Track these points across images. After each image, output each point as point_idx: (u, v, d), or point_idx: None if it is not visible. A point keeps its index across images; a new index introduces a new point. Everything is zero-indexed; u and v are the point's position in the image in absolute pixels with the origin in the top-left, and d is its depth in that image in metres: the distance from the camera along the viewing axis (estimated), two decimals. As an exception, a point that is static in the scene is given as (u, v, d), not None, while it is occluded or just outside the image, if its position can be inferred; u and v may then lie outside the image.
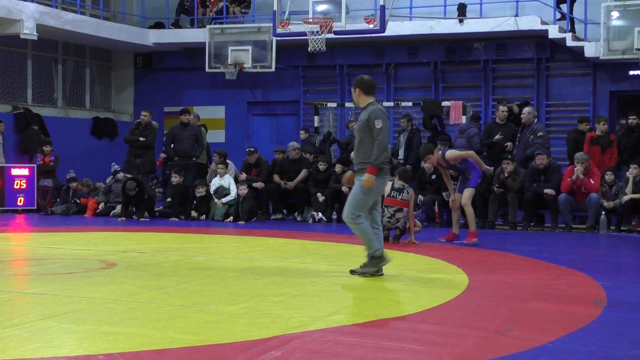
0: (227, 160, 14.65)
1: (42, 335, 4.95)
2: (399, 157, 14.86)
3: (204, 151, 15.59)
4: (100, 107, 20.93)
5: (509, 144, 13.68)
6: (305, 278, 7.37)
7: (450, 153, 10.29)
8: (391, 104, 17.45)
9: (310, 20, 14.41)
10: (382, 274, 7.42)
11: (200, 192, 14.01)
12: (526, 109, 13.75)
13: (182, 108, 15.93)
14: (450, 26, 16.81)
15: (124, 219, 13.63)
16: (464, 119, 15.26)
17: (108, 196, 14.65)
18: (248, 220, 13.44)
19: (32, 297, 6.34)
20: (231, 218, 13.52)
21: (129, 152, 15.61)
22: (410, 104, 16.96)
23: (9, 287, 6.77)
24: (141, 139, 15.33)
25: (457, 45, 17.74)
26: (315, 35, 14.47)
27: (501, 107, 14.24)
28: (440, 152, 10.42)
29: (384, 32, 14.28)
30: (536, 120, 13.83)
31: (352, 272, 7.49)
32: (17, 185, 14.68)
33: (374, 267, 7.42)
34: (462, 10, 16.66)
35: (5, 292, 6.47)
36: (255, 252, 9.09)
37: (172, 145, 15.11)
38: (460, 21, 16.59)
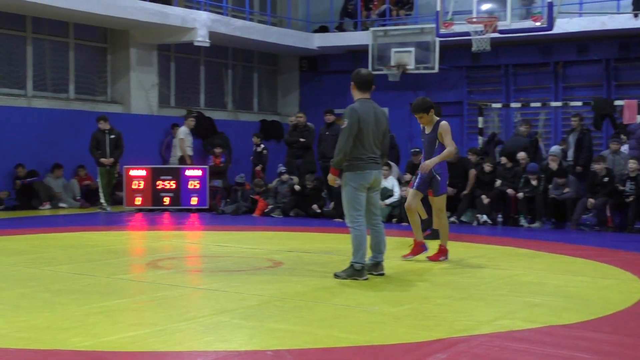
0: (390, 162, 14.68)
1: (215, 329, 5.17)
2: (568, 159, 14.31)
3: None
4: (267, 110, 21.61)
5: None
6: (470, 281, 7.27)
7: (445, 125, 8.32)
8: (559, 103, 16.86)
9: (474, 19, 14.18)
10: (367, 278, 7.13)
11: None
12: None
13: (327, 109, 16.00)
14: (624, 21, 16.02)
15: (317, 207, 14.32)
16: (639, 119, 14.48)
17: (275, 198, 15.09)
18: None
19: (205, 293, 6.65)
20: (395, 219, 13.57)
21: (289, 154, 15.99)
22: (580, 103, 16.30)
23: (184, 283, 7.13)
24: (301, 140, 15.66)
25: (631, 41, 16.87)
26: (479, 34, 14.23)
27: None
28: (438, 119, 8.46)
29: (551, 29, 13.82)
30: None
31: (335, 275, 7.25)
32: (191, 185, 15.41)
33: (348, 277, 7.12)
34: (637, 4, 15.83)
35: (182, 287, 6.81)
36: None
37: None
38: (635, 15, 15.76)
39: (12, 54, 16.09)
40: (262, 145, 16.85)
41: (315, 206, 14.52)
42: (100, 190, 15.31)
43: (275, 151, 18.70)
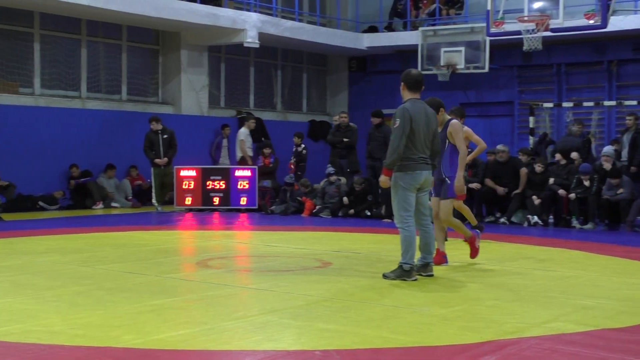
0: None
1: (263, 329, 5.21)
2: (622, 159, 14.04)
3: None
4: (316, 111, 21.66)
5: None
6: (521, 283, 7.18)
7: (456, 125, 8.06)
8: (613, 102, 16.56)
9: (526, 18, 14.03)
10: (416, 279, 7.15)
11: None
12: None
13: (373, 110, 15.84)
14: (680, 18, 15.67)
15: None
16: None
17: (323, 198, 15.12)
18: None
19: (254, 292, 6.70)
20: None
21: (333, 154, 16.00)
22: (634, 102, 15.96)
23: (233, 282, 7.19)
24: (345, 139, 15.65)
25: (688, 39, 16.50)
26: (530, 33, 14.07)
27: None
28: (450, 118, 8.19)
29: (605, 27, 13.58)
30: None
31: (383, 275, 7.28)
32: (240, 185, 15.52)
33: (397, 277, 7.13)
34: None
35: (231, 287, 6.87)
36: (468, 255, 8.97)
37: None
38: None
39: (68, 56, 16.41)
40: (303, 145, 16.91)
41: (359, 212, 14.57)
42: (153, 190, 15.52)
43: (324, 152, 18.70)
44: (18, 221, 13.03)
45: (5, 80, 15.25)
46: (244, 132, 16.57)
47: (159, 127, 15.31)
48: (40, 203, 15.13)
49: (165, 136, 15.33)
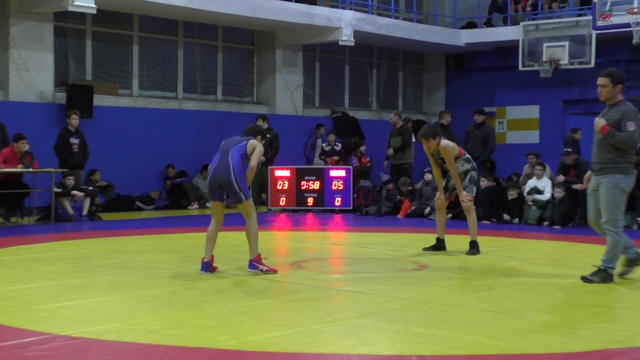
0: (543, 162, 14.17)
1: (358, 332, 5.09)
2: None
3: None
4: (412, 109, 21.38)
5: None
6: (629, 289, 6.84)
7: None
8: None
9: (635, 9, 13.50)
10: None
11: (512, 194, 13.69)
12: None
13: (477, 108, 15.45)
14: None
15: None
16: None
17: (420, 199, 14.88)
18: (564, 224, 12.86)
19: (348, 295, 6.58)
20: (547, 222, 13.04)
21: None
22: None
23: (328, 284, 7.09)
24: (456, 139, 15.35)
25: None
26: (640, 26, 13.52)
27: None
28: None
29: None
30: None
31: (585, 279, 7.06)
32: (334, 186, 15.44)
33: (602, 281, 6.95)
34: None
35: (325, 289, 6.77)
36: (572, 259, 8.62)
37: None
38: None
39: (165, 57, 16.74)
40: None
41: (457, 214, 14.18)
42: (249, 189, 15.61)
43: (420, 151, 18.40)
44: (116, 221, 13.35)
45: (106, 82, 15.67)
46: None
47: (265, 125, 15.41)
48: (138, 203, 15.47)
49: (267, 135, 15.41)
